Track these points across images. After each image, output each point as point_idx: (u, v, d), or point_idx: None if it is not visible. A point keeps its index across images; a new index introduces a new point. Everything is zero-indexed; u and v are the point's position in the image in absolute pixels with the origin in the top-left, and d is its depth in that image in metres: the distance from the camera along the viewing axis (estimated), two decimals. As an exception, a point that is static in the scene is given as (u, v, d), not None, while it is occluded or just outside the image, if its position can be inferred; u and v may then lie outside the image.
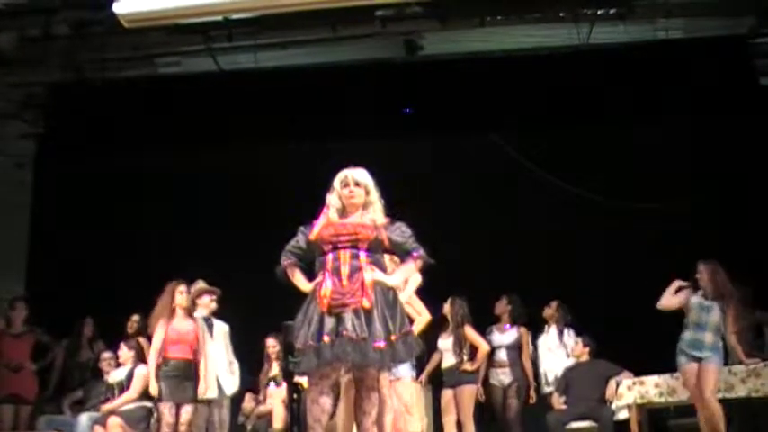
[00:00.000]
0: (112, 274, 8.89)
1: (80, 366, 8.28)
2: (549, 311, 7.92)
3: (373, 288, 4.32)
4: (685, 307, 6.48)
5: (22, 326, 8.08)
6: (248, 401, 7.56)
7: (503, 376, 7.68)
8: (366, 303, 4.28)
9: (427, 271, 4.65)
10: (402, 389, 5.71)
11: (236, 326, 7.43)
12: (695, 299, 6.47)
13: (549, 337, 7.86)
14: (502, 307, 7.87)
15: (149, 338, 6.91)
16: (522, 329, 7.80)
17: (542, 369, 7.81)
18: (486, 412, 7.71)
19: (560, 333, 7.80)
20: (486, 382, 7.67)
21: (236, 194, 9.07)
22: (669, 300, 6.52)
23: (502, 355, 7.71)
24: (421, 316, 5.79)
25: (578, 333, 7.74)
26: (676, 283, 6.56)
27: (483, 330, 7.71)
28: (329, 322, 4.26)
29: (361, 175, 4.55)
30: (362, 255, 4.37)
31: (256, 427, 7.47)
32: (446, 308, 7.42)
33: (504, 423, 7.64)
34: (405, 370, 5.67)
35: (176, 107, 9.18)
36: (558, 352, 7.77)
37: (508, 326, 7.79)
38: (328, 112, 9.00)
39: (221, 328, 7.29)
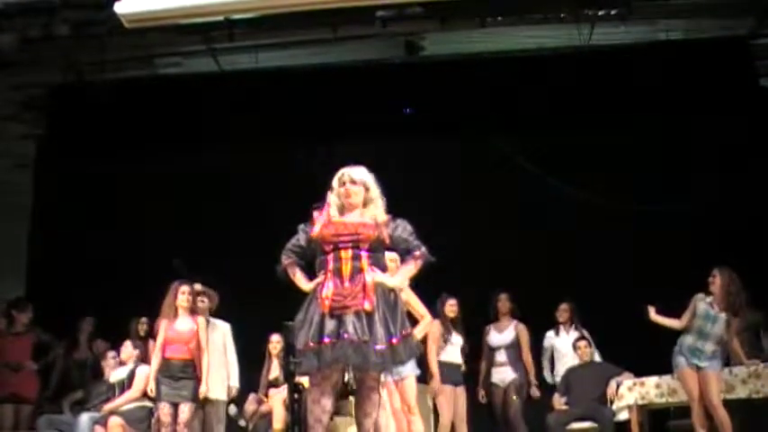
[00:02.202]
0: (113, 274, 8.87)
1: (80, 366, 8.27)
2: (564, 314, 7.91)
3: (374, 290, 4.30)
4: (691, 311, 6.49)
5: (23, 325, 8.08)
6: (250, 403, 7.54)
7: (504, 375, 7.68)
8: (367, 306, 4.26)
9: (427, 270, 4.64)
10: (406, 389, 5.70)
11: (235, 326, 7.42)
12: (703, 306, 6.48)
13: (568, 338, 7.84)
14: (508, 305, 7.85)
15: (155, 339, 6.94)
16: (520, 326, 7.79)
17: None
18: (484, 411, 7.70)
19: (579, 332, 7.80)
20: (486, 382, 7.68)
21: (236, 194, 9.06)
22: (680, 321, 6.54)
23: (502, 355, 7.71)
24: (424, 318, 5.79)
25: (591, 332, 7.77)
26: (653, 314, 6.62)
27: (481, 330, 7.73)
28: (330, 324, 4.25)
29: (358, 172, 4.51)
30: (364, 255, 4.35)
31: (257, 427, 7.45)
32: (454, 308, 7.39)
33: (506, 422, 7.63)
34: (409, 369, 5.63)
35: (177, 107, 9.18)
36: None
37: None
38: (328, 113, 9.00)
39: (222, 328, 7.28)
